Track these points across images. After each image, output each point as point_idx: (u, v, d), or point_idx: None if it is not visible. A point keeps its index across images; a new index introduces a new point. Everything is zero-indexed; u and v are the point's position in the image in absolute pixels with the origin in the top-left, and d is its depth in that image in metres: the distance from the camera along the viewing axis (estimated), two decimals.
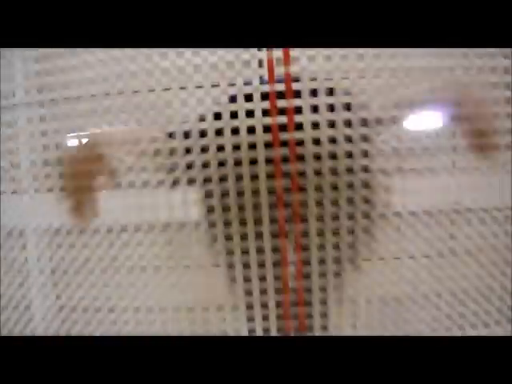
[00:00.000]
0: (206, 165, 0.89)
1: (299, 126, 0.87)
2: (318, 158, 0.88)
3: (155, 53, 0.88)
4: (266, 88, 0.87)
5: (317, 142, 0.88)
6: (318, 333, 0.93)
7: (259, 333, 0.93)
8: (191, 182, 0.90)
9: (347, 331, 0.94)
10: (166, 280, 0.94)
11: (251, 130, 0.87)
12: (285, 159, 0.88)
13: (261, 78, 0.87)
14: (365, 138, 0.88)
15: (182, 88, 0.90)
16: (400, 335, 0.95)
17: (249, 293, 0.93)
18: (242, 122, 0.87)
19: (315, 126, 0.87)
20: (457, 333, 0.95)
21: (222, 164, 0.89)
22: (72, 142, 0.94)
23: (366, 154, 0.88)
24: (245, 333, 0.94)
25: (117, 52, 0.89)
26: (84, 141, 0.91)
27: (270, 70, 0.88)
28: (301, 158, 0.88)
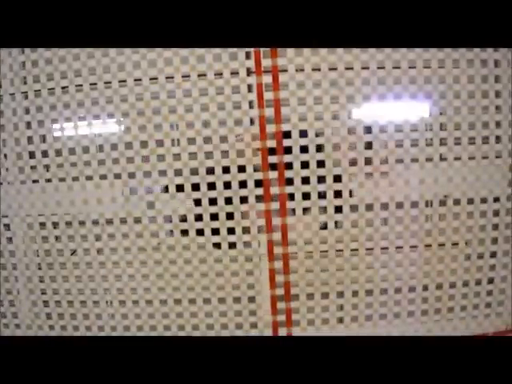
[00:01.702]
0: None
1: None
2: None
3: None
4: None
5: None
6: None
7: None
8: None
9: (333, 323, 0.94)
10: (153, 273, 0.94)
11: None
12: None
13: None
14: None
15: (168, 78, 0.89)
16: (398, 335, 0.95)
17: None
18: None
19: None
20: (446, 325, 0.95)
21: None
22: (58, 133, 0.93)
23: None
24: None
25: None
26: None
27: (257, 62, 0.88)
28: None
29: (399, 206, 0.90)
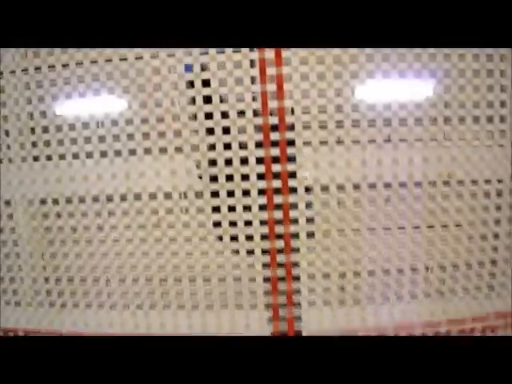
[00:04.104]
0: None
1: None
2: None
3: None
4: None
5: None
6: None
7: None
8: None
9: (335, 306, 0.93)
10: (153, 250, 0.93)
11: None
12: None
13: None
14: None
15: (170, 56, 0.88)
16: (400, 335, 0.94)
17: None
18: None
19: None
20: (448, 307, 0.95)
21: None
22: (59, 110, 0.93)
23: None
24: None
25: None
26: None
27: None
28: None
29: (402, 185, 0.89)
